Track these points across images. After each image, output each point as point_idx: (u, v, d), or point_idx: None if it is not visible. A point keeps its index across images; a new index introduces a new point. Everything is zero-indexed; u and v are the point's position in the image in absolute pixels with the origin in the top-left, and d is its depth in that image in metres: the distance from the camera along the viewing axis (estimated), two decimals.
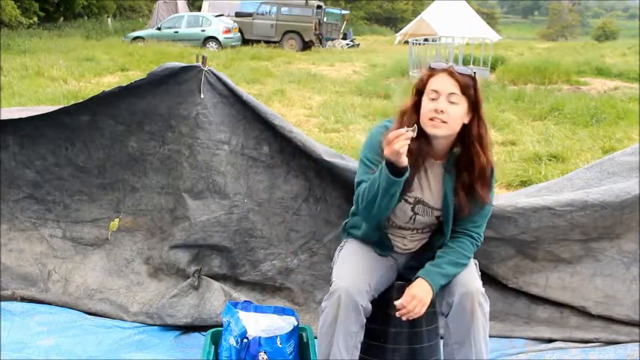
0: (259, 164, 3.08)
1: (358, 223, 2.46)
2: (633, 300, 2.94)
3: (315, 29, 24.60)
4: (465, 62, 13.07)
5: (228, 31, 22.82)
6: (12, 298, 3.11)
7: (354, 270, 2.29)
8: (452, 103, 2.19)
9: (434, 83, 2.21)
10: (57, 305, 3.09)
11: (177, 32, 22.43)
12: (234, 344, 2.43)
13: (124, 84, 3.06)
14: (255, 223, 3.07)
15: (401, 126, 2.15)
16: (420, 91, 2.27)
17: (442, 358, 2.37)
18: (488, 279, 2.92)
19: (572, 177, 3.07)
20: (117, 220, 3.23)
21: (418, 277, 2.27)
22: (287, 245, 3.10)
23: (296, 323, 2.55)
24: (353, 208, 2.47)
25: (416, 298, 2.21)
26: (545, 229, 2.85)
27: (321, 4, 26.45)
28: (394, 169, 2.11)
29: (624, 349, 2.86)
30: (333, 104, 10.14)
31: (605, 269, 2.96)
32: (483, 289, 2.24)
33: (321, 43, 25.43)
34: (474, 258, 2.40)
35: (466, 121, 2.24)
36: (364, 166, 2.32)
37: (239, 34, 23.62)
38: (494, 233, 2.82)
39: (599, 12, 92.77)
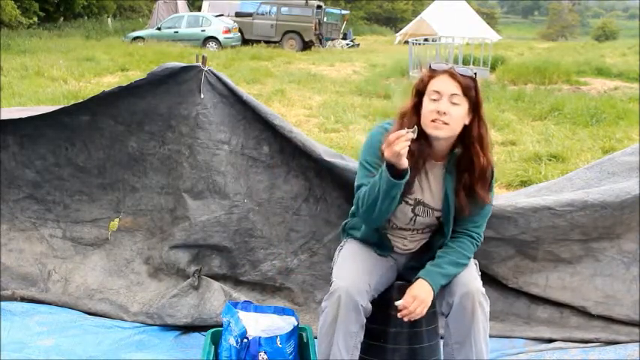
0: (259, 164, 3.08)
1: (358, 224, 2.46)
2: (633, 300, 2.94)
3: (315, 29, 24.60)
4: (465, 62, 13.09)
5: (228, 31, 22.82)
6: (12, 298, 3.10)
7: (354, 270, 2.29)
8: (453, 104, 2.18)
9: (435, 84, 2.21)
10: (57, 305, 3.09)
11: (177, 32, 22.43)
12: (234, 344, 2.43)
13: (124, 84, 3.06)
14: (255, 223, 3.07)
15: (401, 127, 2.14)
16: (420, 93, 2.26)
17: (442, 358, 2.37)
18: (489, 279, 2.92)
19: (572, 177, 3.07)
20: (117, 220, 3.23)
21: (419, 277, 2.26)
22: (287, 245, 3.10)
23: (296, 323, 2.55)
24: (352, 208, 2.47)
25: (417, 299, 2.21)
26: (545, 229, 2.85)
27: (321, 4, 26.45)
28: (395, 171, 2.10)
29: (624, 349, 2.86)
30: (333, 104, 10.14)
31: (605, 269, 2.96)
32: (484, 289, 2.25)
33: (321, 43, 25.43)
34: (474, 258, 2.40)
35: (467, 122, 2.23)
36: (364, 169, 2.31)
37: (239, 34, 23.62)
38: (494, 233, 2.82)
39: (599, 12, 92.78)
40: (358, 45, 28.09)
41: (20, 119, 3.12)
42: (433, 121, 2.19)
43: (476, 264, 2.41)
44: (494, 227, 2.77)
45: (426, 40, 15.09)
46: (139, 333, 2.93)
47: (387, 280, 2.41)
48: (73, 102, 3.67)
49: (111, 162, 3.18)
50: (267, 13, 24.46)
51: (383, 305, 2.33)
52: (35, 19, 25.13)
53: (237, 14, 25.21)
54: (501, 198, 3.01)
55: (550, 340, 2.93)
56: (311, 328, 2.62)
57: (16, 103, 8.87)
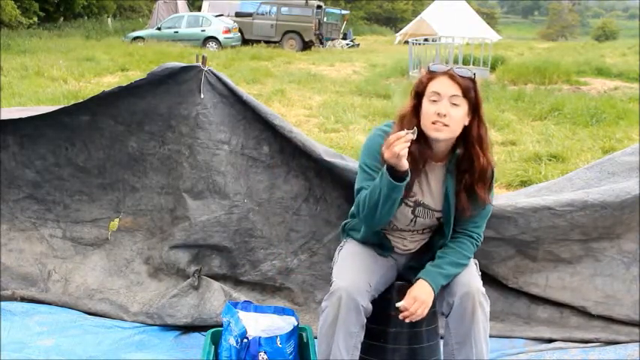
0: (259, 164, 3.08)
1: (357, 225, 2.45)
2: (633, 300, 2.94)
3: (315, 29, 24.61)
4: (465, 62, 13.09)
5: (228, 31, 22.82)
6: (12, 298, 3.10)
7: (354, 270, 2.29)
8: (453, 105, 2.18)
9: (434, 86, 2.20)
10: (57, 305, 3.09)
11: (177, 32, 22.43)
12: (234, 344, 2.43)
13: (124, 84, 3.06)
14: (255, 223, 3.07)
15: (401, 129, 2.13)
16: (419, 94, 2.25)
17: (442, 358, 2.37)
18: (489, 279, 2.92)
19: (572, 177, 3.07)
20: (117, 220, 3.23)
21: (419, 278, 2.26)
22: (287, 245, 3.10)
23: (296, 323, 2.55)
24: (352, 209, 2.46)
25: (418, 300, 2.21)
26: (545, 229, 2.85)
27: (321, 4, 26.45)
28: (395, 173, 2.10)
29: (624, 349, 2.86)
30: (333, 104, 10.14)
31: (605, 269, 2.96)
32: (484, 289, 2.24)
33: (321, 43, 25.44)
34: (474, 258, 2.40)
35: (466, 122, 2.23)
36: (363, 172, 2.30)
37: (239, 34, 23.63)
38: (494, 233, 2.82)
39: (599, 12, 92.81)
40: (358, 45, 28.09)
41: (20, 119, 3.13)
42: (433, 123, 2.18)
43: (476, 264, 2.40)
44: (494, 227, 2.77)
45: (426, 40, 15.08)
46: (139, 333, 2.93)
47: (387, 280, 2.41)
48: (73, 102, 3.67)
49: (111, 162, 3.18)
50: (267, 13, 24.47)
51: (383, 305, 2.33)
52: (35, 19, 25.14)
53: (237, 14, 25.22)
54: (501, 198, 3.01)
55: (550, 340, 2.93)
56: (311, 328, 2.62)
57: (16, 103, 8.87)
